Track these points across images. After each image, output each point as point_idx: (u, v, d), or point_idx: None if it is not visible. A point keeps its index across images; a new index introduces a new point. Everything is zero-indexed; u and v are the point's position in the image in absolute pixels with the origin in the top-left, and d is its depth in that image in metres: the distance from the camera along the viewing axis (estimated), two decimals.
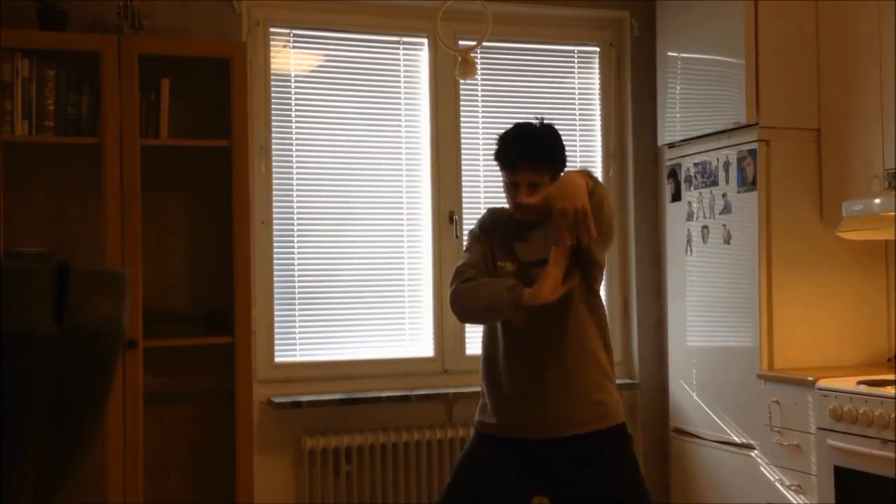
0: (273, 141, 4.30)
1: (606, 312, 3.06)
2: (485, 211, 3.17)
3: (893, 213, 3.66)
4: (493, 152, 3.00)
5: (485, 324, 3.03)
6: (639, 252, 4.77)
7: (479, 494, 2.96)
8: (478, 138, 4.56)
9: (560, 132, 3.00)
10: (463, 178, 4.56)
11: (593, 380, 2.94)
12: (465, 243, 3.16)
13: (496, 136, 3.00)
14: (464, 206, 4.54)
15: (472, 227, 3.12)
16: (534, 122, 2.99)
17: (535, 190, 2.89)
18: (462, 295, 2.90)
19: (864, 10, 3.92)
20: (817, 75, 4.13)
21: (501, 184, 2.99)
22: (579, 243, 2.73)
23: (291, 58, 4.38)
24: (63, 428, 1.11)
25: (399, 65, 4.52)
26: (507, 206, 3.04)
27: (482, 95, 4.62)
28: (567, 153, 3.00)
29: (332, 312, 4.42)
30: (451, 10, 4.03)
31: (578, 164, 4.76)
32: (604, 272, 3.03)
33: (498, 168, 2.99)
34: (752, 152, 4.08)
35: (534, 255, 2.95)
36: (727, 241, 4.22)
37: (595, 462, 2.93)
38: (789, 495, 3.84)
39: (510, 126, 3.01)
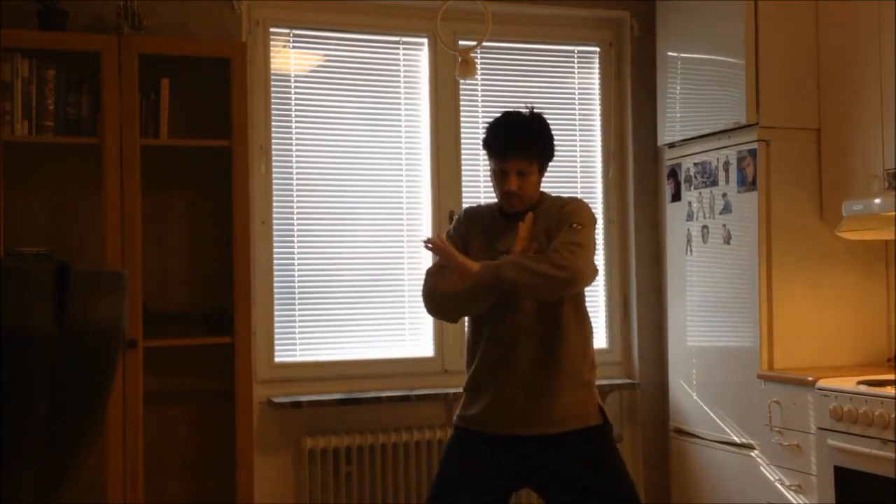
0: (273, 141, 4.30)
1: (592, 324, 3.07)
2: (461, 212, 3.19)
3: (893, 213, 3.66)
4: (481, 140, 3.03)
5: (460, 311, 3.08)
6: (639, 252, 4.76)
7: (463, 488, 2.97)
8: (478, 138, 4.55)
9: (558, 129, 3.05)
10: (463, 178, 4.56)
11: (564, 383, 2.93)
12: None
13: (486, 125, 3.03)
14: (464, 205, 4.53)
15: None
16: (522, 110, 3.01)
17: (523, 178, 2.91)
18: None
19: (864, 10, 3.91)
20: (817, 75, 4.13)
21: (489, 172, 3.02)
22: None
23: (291, 58, 4.37)
24: (63, 428, 1.11)
25: (399, 65, 4.52)
26: (483, 203, 3.07)
27: (482, 95, 4.62)
28: (557, 144, 3.04)
29: (332, 312, 4.42)
30: (451, 10, 4.03)
31: (578, 163, 4.77)
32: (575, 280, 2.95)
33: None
34: (752, 152, 4.08)
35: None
36: (727, 240, 4.22)
37: (577, 458, 2.94)
38: (789, 495, 3.84)
39: (499, 114, 3.03)
